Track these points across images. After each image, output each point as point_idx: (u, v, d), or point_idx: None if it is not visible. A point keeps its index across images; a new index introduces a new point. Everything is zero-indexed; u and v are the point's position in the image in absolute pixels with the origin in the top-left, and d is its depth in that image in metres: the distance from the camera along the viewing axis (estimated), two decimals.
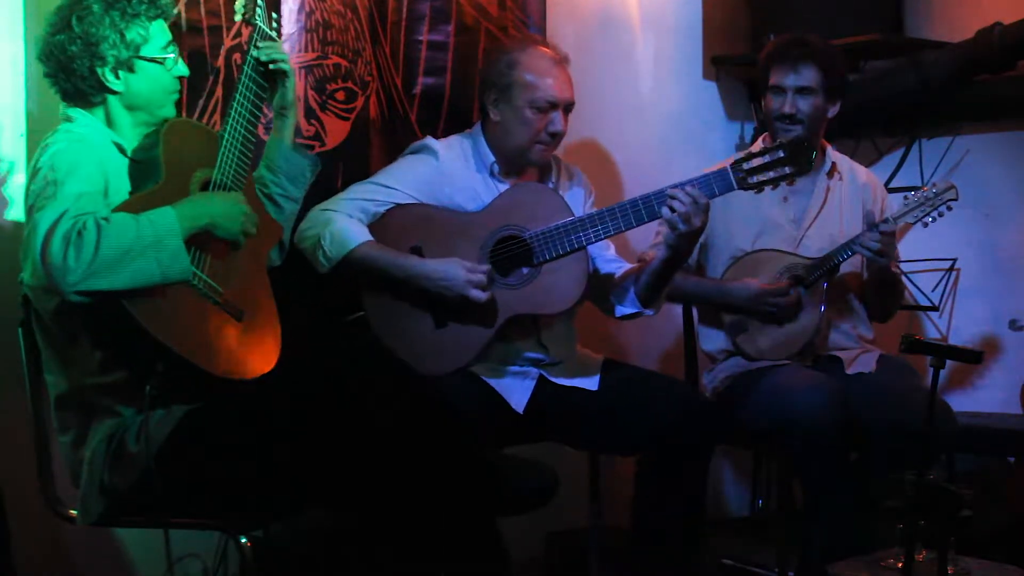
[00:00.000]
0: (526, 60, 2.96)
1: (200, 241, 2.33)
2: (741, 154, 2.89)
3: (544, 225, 2.90)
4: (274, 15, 2.61)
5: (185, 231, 2.25)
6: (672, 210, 2.80)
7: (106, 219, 2.17)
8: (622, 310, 3.09)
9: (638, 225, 2.91)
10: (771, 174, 2.83)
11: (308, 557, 2.64)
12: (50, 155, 2.29)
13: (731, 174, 2.84)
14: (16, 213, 2.82)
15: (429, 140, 3.06)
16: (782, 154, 2.83)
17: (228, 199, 2.40)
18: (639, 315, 3.09)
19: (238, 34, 3.03)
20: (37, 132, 2.80)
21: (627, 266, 3.13)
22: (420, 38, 3.41)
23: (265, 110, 2.65)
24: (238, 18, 2.57)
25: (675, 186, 2.83)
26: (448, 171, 3.01)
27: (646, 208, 2.86)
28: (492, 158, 3.03)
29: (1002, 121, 4.04)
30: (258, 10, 2.57)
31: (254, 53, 2.55)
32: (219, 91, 3.00)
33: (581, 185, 3.19)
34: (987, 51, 3.74)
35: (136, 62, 2.42)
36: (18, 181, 2.81)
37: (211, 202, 2.37)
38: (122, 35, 2.40)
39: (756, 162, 2.84)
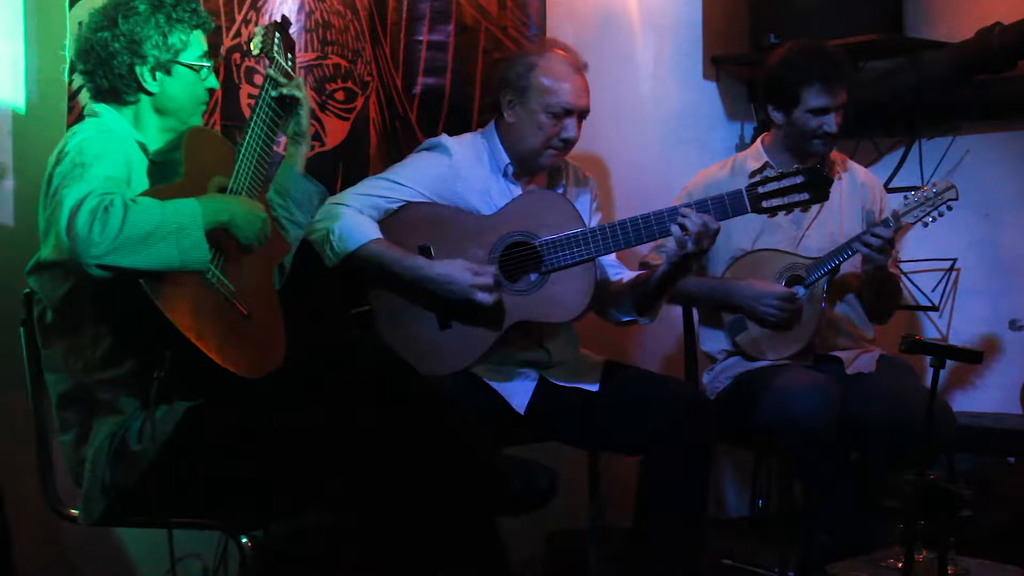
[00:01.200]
0: (545, 64, 2.96)
1: (217, 240, 2.35)
2: (757, 177, 2.89)
3: (555, 233, 2.90)
4: (289, 55, 2.65)
5: (207, 223, 2.28)
6: (683, 228, 2.82)
7: (133, 200, 2.20)
8: (619, 316, 3.10)
9: (649, 241, 2.94)
10: (786, 199, 2.85)
11: (308, 557, 2.64)
12: (78, 141, 2.32)
13: (745, 197, 2.86)
14: (11, 216, 2.83)
15: (444, 138, 3.07)
16: (800, 179, 2.85)
17: (249, 204, 2.44)
18: (635, 322, 3.12)
19: (237, 34, 3.03)
20: (37, 131, 2.81)
21: (627, 272, 3.14)
22: (420, 38, 3.42)
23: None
24: (255, 52, 2.60)
25: (688, 206, 2.85)
26: (461, 170, 3.01)
27: (659, 225, 2.88)
28: (507, 159, 3.02)
29: (1002, 121, 4.05)
30: (276, 45, 2.60)
31: (272, 89, 2.58)
32: (219, 91, 3.00)
33: (589, 191, 3.19)
34: (987, 51, 3.74)
35: (174, 66, 2.47)
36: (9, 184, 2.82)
37: (234, 202, 2.40)
38: (165, 37, 2.45)
39: (772, 186, 2.86)
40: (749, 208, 2.86)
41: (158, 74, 2.46)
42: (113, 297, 2.24)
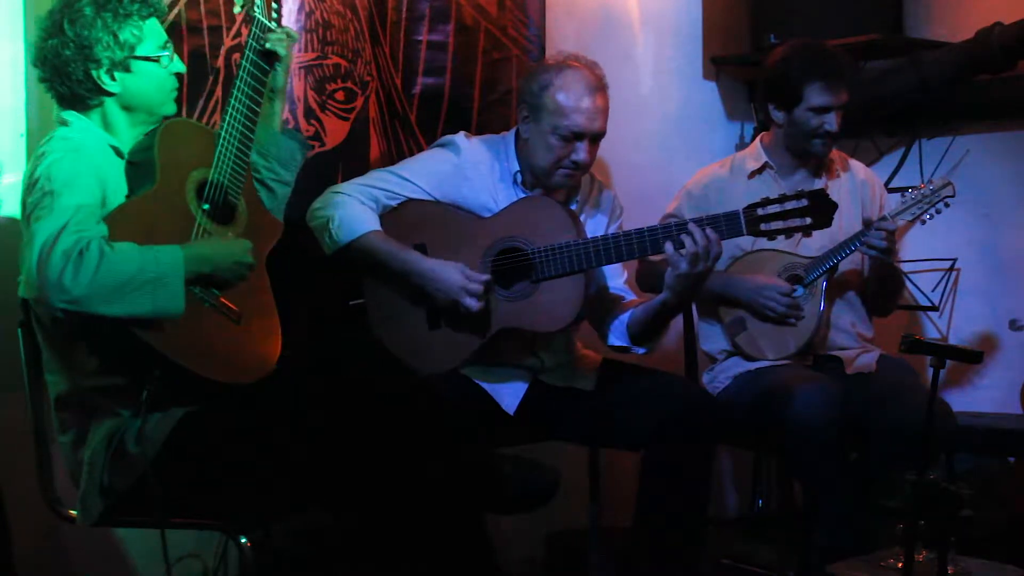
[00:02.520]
0: (559, 84, 2.87)
1: None
2: (758, 199, 2.80)
3: (549, 242, 2.87)
4: (274, 5, 2.58)
5: (188, 274, 2.24)
6: (680, 245, 2.76)
7: (110, 245, 2.15)
8: (613, 340, 3.06)
9: (641, 256, 2.89)
10: (787, 223, 2.77)
11: (308, 557, 2.64)
12: (46, 165, 2.27)
13: (741, 219, 2.78)
14: (8, 211, 2.83)
15: (458, 136, 3.03)
16: (804, 204, 2.76)
17: (237, 249, 2.38)
18: (628, 351, 3.06)
19: (238, 34, 3.03)
20: (37, 132, 2.80)
21: (631, 297, 3.09)
22: (420, 38, 3.42)
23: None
24: (237, 10, 2.55)
25: (683, 223, 2.79)
26: (468, 171, 2.98)
27: (652, 240, 2.82)
28: (517, 167, 2.99)
29: (1002, 121, 4.04)
30: (257, 1, 2.55)
31: (252, 54, 2.53)
32: (219, 91, 3.00)
33: (608, 211, 3.12)
34: (987, 51, 3.73)
35: (132, 62, 2.40)
36: (16, 181, 2.81)
37: (219, 252, 2.35)
38: (115, 36, 2.37)
39: (772, 209, 2.77)
40: (744, 231, 2.79)
41: (116, 74, 2.39)
42: (93, 326, 2.21)
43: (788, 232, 2.80)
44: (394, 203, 2.95)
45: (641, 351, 3.05)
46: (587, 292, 2.90)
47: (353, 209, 2.87)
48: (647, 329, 2.99)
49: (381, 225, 2.90)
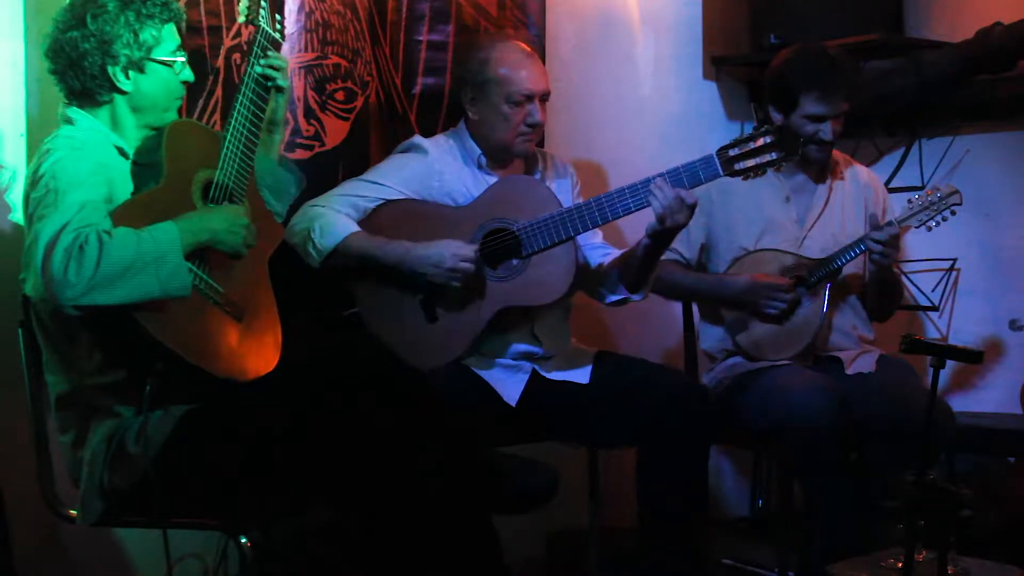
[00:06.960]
0: (498, 56, 2.98)
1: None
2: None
3: (532, 217, 2.91)
4: (278, 16, 2.61)
5: (186, 246, 2.24)
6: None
7: (108, 233, 2.16)
8: (609, 296, 3.10)
9: (625, 215, 2.92)
10: (757, 160, 2.83)
11: (308, 557, 2.64)
12: (51, 162, 2.28)
13: (716, 161, 2.84)
14: (17, 216, 2.83)
15: (416, 139, 3.09)
16: (769, 139, 2.82)
17: (231, 213, 2.40)
18: (627, 300, 3.10)
19: (238, 34, 3.03)
20: (37, 132, 2.80)
21: (614, 252, 3.13)
22: (420, 38, 3.42)
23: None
24: (242, 20, 2.57)
25: (663, 175, 2.83)
26: (437, 166, 3.03)
27: (633, 197, 2.88)
28: (479, 151, 3.04)
29: (1002, 121, 4.04)
30: (262, 11, 2.56)
31: (258, 63, 2.55)
32: (219, 91, 3.01)
33: (567, 177, 3.21)
34: (987, 51, 3.74)
35: (147, 63, 2.43)
36: (18, 182, 2.81)
37: (213, 218, 2.36)
38: (136, 35, 2.40)
39: (743, 148, 2.83)
40: (721, 172, 2.84)
41: (131, 73, 2.41)
42: (97, 319, 2.21)
43: (761, 169, 2.84)
44: (372, 206, 2.98)
45: (637, 298, 3.08)
46: (577, 259, 2.94)
47: (331, 217, 2.90)
48: (639, 276, 3.02)
49: (362, 229, 2.92)
